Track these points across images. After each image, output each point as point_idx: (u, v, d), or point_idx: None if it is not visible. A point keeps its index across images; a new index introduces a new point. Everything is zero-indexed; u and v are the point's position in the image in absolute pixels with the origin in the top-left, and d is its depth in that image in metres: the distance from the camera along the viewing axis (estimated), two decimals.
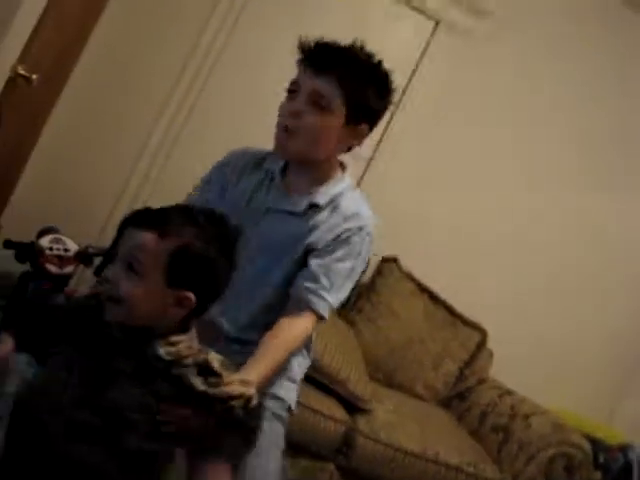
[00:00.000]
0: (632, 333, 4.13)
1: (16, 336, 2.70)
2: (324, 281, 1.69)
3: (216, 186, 1.87)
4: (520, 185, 3.89)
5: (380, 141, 3.65)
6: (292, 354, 1.75)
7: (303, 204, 1.74)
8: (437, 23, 3.69)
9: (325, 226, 1.73)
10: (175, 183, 3.44)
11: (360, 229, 1.73)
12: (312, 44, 1.70)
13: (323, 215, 1.74)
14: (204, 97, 3.50)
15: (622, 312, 4.12)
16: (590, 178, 3.95)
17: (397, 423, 2.80)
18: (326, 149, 1.72)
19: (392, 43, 3.68)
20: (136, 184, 3.48)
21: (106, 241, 3.15)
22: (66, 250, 2.97)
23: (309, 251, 1.73)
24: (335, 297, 1.72)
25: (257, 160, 1.84)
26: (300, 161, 1.76)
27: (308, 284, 1.70)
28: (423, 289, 3.56)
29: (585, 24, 3.81)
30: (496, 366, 3.68)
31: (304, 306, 1.70)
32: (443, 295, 3.60)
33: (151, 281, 1.30)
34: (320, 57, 1.68)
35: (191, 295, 1.31)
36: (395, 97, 1.75)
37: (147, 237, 1.29)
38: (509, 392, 3.30)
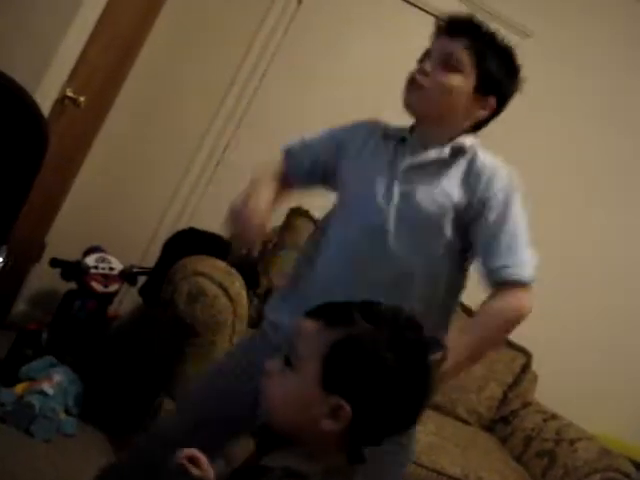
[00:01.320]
0: None
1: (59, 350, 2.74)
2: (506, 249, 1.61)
3: (329, 147, 1.82)
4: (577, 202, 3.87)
5: None
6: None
7: (447, 151, 1.67)
8: None
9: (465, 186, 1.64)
10: (214, 207, 3.49)
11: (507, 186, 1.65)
12: (451, 14, 1.71)
13: (463, 164, 1.66)
14: (246, 124, 3.54)
15: None
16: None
17: (439, 446, 2.76)
18: (453, 110, 1.67)
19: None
20: (179, 206, 3.51)
21: (150, 261, 3.21)
22: (111, 269, 3.03)
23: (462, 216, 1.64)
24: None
25: (382, 132, 1.78)
26: (427, 119, 1.70)
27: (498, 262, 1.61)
28: (465, 309, 3.52)
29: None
30: (541, 390, 3.61)
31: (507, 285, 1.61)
32: None
33: (306, 379, 1.06)
34: (453, 23, 1.69)
35: (347, 405, 1.03)
36: (521, 83, 1.71)
37: (310, 324, 1.09)
38: (554, 416, 3.24)
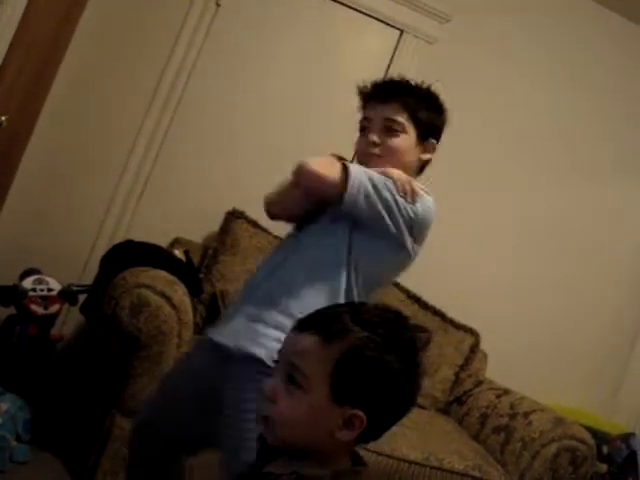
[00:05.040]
0: (624, 325, 4.15)
1: (3, 378, 2.68)
2: None
3: None
4: (510, 184, 3.93)
5: None
6: None
7: None
8: (402, 32, 3.71)
9: None
10: (150, 217, 3.46)
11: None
12: (370, 84, 1.92)
13: None
14: (172, 135, 3.50)
15: (616, 302, 4.14)
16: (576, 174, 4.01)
17: (398, 433, 2.77)
18: (409, 167, 1.87)
19: (360, 54, 3.72)
20: (114, 219, 3.45)
21: (89, 278, 3.15)
22: (50, 290, 2.96)
23: None
24: None
25: None
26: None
27: None
28: (412, 297, 3.55)
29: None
30: (491, 367, 3.67)
31: None
32: (432, 301, 3.59)
33: (316, 397, 1.06)
34: (382, 89, 1.90)
35: (361, 414, 1.06)
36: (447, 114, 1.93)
37: (309, 341, 1.08)
38: (507, 391, 3.29)
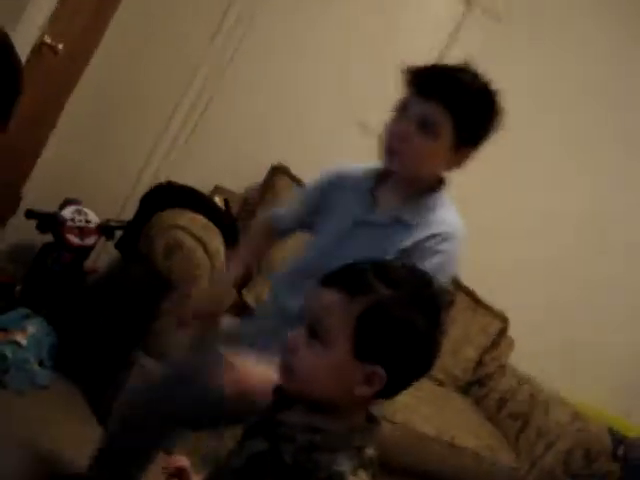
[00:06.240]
0: None
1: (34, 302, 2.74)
2: None
3: (309, 207, 1.97)
4: (552, 177, 3.85)
5: None
6: None
7: (388, 217, 1.77)
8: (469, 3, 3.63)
9: (411, 239, 1.73)
10: (194, 161, 3.46)
11: (448, 234, 1.74)
12: (420, 68, 1.71)
13: (411, 231, 1.74)
14: (229, 79, 3.46)
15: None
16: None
17: (414, 405, 2.78)
18: (430, 170, 1.76)
19: (422, 23, 3.65)
20: (158, 161, 3.45)
21: (127, 216, 3.17)
22: (88, 222, 2.99)
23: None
24: None
25: (353, 180, 1.88)
26: (406, 179, 1.78)
27: None
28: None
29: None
30: (517, 356, 3.64)
31: None
32: (466, 282, 3.56)
33: (337, 352, 1.06)
34: (428, 82, 1.69)
35: (381, 371, 1.05)
36: (502, 119, 1.73)
37: (333, 297, 1.07)
38: (529, 380, 3.27)
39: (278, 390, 1.15)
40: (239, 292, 2.80)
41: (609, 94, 3.84)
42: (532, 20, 3.69)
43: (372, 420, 1.13)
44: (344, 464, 1.03)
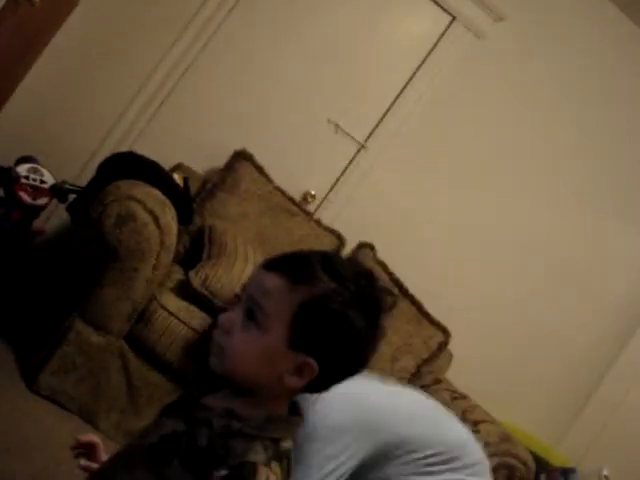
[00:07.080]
0: (592, 363, 4.14)
1: None
2: None
3: None
4: (512, 190, 3.89)
5: (376, 127, 3.60)
6: None
7: None
8: (454, 18, 3.64)
9: None
10: (160, 134, 3.42)
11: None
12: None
13: None
14: (202, 60, 3.44)
15: (589, 339, 4.13)
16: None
17: None
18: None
19: (405, 32, 3.66)
20: (122, 130, 3.41)
21: (84, 180, 3.12)
22: (42, 182, 2.92)
23: None
24: None
25: None
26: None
27: None
28: (394, 280, 3.53)
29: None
30: (453, 371, 3.66)
31: None
32: (413, 291, 3.57)
33: (272, 337, 1.04)
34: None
35: (313, 363, 1.04)
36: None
37: (276, 282, 1.05)
38: (463, 396, 3.29)
39: (208, 373, 1.13)
40: (186, 274, 2.76)
41: (582, 123, 3.90)
42: (516, 39, 3.72)
43: (296, 413, 1.11)
44: (258, 454, 1.01)
